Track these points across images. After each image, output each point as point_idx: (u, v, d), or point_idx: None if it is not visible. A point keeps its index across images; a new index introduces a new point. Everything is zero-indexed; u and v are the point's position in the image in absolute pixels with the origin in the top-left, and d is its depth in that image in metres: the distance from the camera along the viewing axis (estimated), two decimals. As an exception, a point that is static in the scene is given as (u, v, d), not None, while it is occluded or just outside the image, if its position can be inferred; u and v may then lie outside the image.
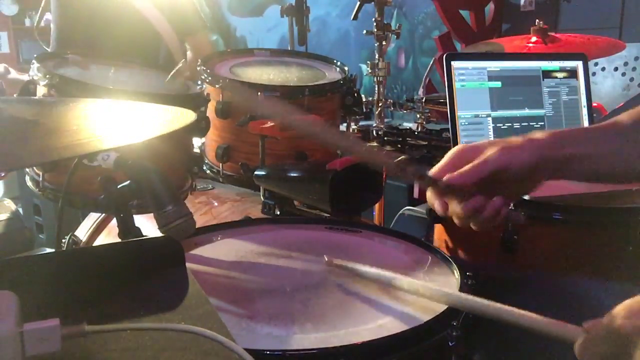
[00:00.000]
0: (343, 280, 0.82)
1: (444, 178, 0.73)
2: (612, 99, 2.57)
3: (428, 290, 0.74)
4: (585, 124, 1.41)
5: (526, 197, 1.13)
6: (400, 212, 2.05)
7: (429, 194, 0.76)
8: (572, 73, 1.42)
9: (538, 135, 0.74)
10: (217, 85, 1.30)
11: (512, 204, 0.78)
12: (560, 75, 1.41)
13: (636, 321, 0.52)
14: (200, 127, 1.16)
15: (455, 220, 0.75)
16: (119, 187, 0.81)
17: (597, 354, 0.55)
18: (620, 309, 0.54)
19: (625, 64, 2.67)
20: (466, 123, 1.32)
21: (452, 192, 0.73)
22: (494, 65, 1.36)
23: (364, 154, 0.82)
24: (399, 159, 0.74)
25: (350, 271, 0.82)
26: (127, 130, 0.57)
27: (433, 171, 0.75)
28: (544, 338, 0.60)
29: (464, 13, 3.08)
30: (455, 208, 0.73)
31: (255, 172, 1.20)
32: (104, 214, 1.35)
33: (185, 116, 0.61)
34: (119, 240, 0.82)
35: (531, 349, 0.91)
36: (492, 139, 1.33)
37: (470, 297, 0.70)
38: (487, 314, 0.67)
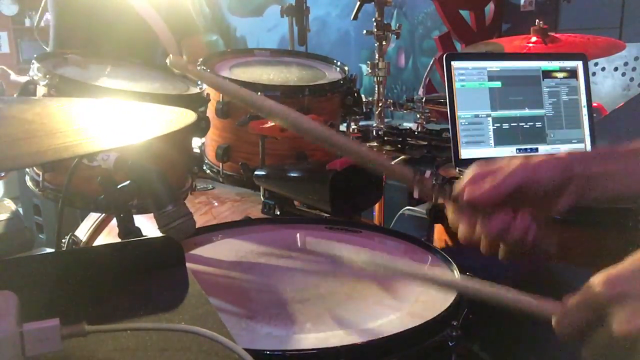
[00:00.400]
0: (343, 280, 0.82)
1: (465, 197, 0.69)
2: (612, 99, 2.57)
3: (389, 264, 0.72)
4: (586, 124, 1.41)
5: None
6: (400, 212, 2.05)
7: (452, 217, 0.72)
8: (572, 73, 1.42)
9: (562, 154, 0.71)
10: (217, 85, 1.30)
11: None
12: (560, 75, 1.41)
13: (610, 289, 0.52)
14: (200, 127, 1.16)
15: (482, 245, 0.71)
16: (119, 187, 0.81)
17: (573, 323, 0.55)
18: (595, 279, 0.54)
19: (625, 64, 2.67)
20: (466, 123, 1.32)
21: (476, 211, 0.69)
22: (494, 65, 1.36)
23: (385, 167, 0.79)
24: (419, 176, 0.71)
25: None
26: (127, 130, 0.57)
27: (457, 191, 0.70)
28: (525, 315, 0.60)
29: (464, 13, 3.08)
30: (480, 229, 0.69)
31: (255, 172, 1.20)
32: (104, 214, 1.35)
33: (185, 116, 0.61)
34: (119, 240, 0.82)
35: (531, 342, 0.91)
36: (492, 140, 1.34)
37: (444, 272, 0.69)
38: (467, 291, 0.66)
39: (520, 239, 0.68)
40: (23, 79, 1.96)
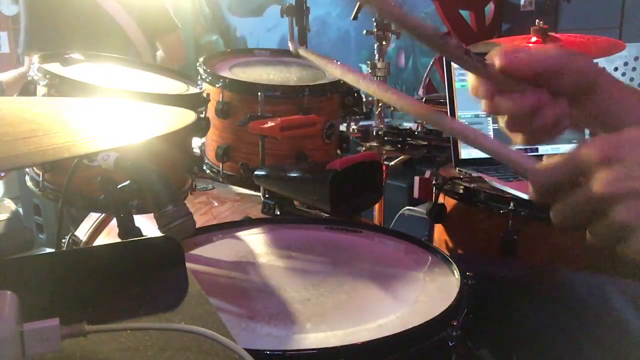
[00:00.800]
0: (343, 280, 0.82)
1: (497, 63, 0.61)
2: (612, 99, 2.57)
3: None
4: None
5: (526, 197, 1.13)
6: (400, 212, 2.06)
7: (476, 84, 0.62)
8: (572, 73, 1.42)
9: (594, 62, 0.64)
10: (217, 85, 1.30)
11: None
12: (560, 75, 1.41)
13: (601, 151, 0.47)
14: (200, 127, 1.16)
15: (509, 120, 0.63)
16: (119, 187, 0.81)
17: (552, 179, 0.50)
18: (589, 141, 0.49)
19: (625, 64, 2.67)
20: (466, 123, 1.32)
21: (504, 82, 0.61)
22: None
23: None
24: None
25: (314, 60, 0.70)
26: (127, 130, 0.57)
27: (486, 59, 0.62)
28: (504, 164, 0.56)
29: (464, 13, 3.08)
30: (509, 103, 0.61)
31: (255, 172, 1.20)
32: (104, 214, 1.35)
33: (185, 116, 0.61)
34: (119, 240, 0.82)
35: (537, 345, 0.91)
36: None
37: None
38: (451, 131, 0.60)
39: (555, 123, 0.61)
40: (9, 74, 1.96)
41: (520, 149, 1.36)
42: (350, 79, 0.63)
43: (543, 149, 1.38)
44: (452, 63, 1.33)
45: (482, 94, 0.63)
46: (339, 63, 0.64)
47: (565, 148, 1.40)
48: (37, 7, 1.91)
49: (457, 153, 1.36)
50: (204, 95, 1.19)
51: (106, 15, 1.89)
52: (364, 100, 1.63)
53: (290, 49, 0.74)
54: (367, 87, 0.63)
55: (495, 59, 0.61)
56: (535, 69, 0.60)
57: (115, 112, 0.68)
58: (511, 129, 0.63)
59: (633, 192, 0.45)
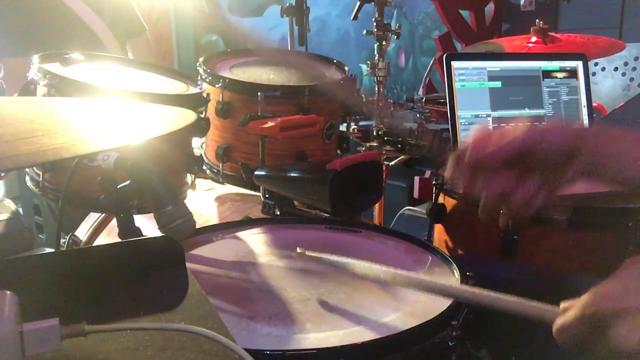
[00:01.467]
0: (343, 280, 0.82)
1: (469, 154, 0.65)
2: (612, 99, 2.58)
3: (390, 276, 0.73)
4: (586, 124, 1.41)
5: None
6: (400, 212, 2.06)
7: (452, 173, 0.68)
8: (572, 73, 1.42)
9: (575, 125, 0.69)
10: (217, 85, 1.30)
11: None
12: (560, 75, 1.41)
13: (611, 305, 0.53)
14: (200, 127, 1.16)
15: (482, 206, 0.67)
16: (119, 187, 0.81)
17: (574, 337, 0.56)
18: (595, 293, 0.55)
19: (625, 64, 2.67)
20: (466, 123, 1.32)
21: (479, 171, 0.66)
22: (494, 65, 1.36)
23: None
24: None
25: (323, 262, 0.81)
26: (127, 130, 0.57)
27: (460, 149, 0.67)
28: (523, 320, 0.61)
29: (464, 13, 3.08)
30: (483, 188, 0.66)
31: (255, 172, 1.20)
32: (104, 214, 1.35)
33: (185, 116, 0.61)
34: (119, 240, 0.82)
35: (536, 346, 0.91)
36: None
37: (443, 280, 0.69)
38: (464, 299, 0.67)
39: (526, 204, 0.65)
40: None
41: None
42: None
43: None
44: (452, 63, 1.33)
45: (457, 180, 0.68)
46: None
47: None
48: (3, 11, 1.91)
49: (457, 153, 1.36)
50: (204, 95, 1.19)
51: (77, 18, 1.90)
52: (364, 100, 1.64)
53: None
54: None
55: (467, 152, 0.66)
56: (505, 155, 0.64)
57: (115, 112, 0.68)
58: (487, 214, 0.67)
59: None
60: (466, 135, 0.69)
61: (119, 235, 0.83)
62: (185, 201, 0.91)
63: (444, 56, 1.34)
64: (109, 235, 1.31)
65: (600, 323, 0.53)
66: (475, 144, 0.66)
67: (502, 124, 1.34)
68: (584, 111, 1.42)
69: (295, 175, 1.15)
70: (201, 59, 1.40)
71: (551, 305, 0.59)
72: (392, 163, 1.82)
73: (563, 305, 0.58)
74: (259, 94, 1.24)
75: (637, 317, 0.51)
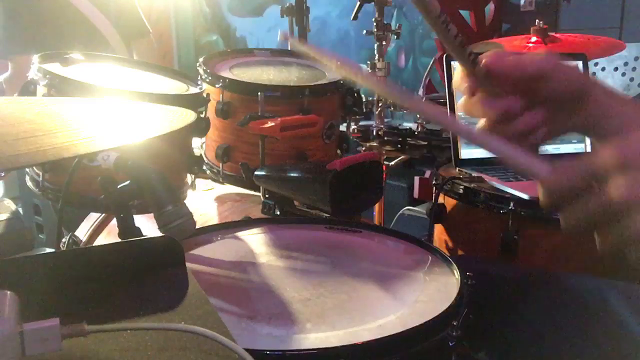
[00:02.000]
0: (343, 280, 0.82)
1: (485, 61, 0.61)
2: (612, 99, 2.57)
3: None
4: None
5: (526, 197, 1.13)
6: (400, 212, 2.06)
7: (461, 79, 0.64)
8: (572, 73, 1.42)
9: (590, 76, 0.66)
10: (217, 85, 1.30)
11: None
12: (560, 75, 1.41)
13: (618, 156, 0.47)
14: (200, 127, 1.16)
15: (481, 123, 0.64)
16: (119, 187, 0.81)
17: (567, 184, 0.49)
18: (604, 146, 0.48)
19: (625, 64, 2.67)
20: (466, 123, 1.32)
21: (489, 82, 0.62)
22: (494, 65, 1.36)
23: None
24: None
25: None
26: (127, 130, 0.57)
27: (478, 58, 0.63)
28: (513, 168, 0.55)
29: (464, 13, 3.08)
30: (482, 106, 0.63)
31: (255, 172, 1.20)
32: (104, 214, 1.35)
33: (185, 116, 0.61)
34: (119, 240, 0.82)
35: (536, 347, 0.91)
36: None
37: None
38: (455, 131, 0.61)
39: (525, 134, 0.62)
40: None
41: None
42: (346, 72, 0.63)
43: (543, 149, 1.37)
44: (452, 63, 1.33)
45: (463, 90, 0.63)
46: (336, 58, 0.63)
47: (565, 148, 1.40)
48: (13, 9, 1.92)
49: (457, 153, 1.36)
50: (204, 95, 1.19)
51: (85, 19, 1.92)
52: (364, 100, 1.63)
53: (288, 43, 0.75)
54: (365, 81, 0.64)
55: (484, 58, 0.61)
56: (520, 73, 0.61)
57: (115, 112, 0.68)
58: (485, 133, 0.63)
59: None
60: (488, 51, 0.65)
61: (119, 235, 0.83)
62: (185, 201, 0.91)
63: (444, 56, 1.34)
64: (109, 235, 1.31)
65: (601, 171, 0.47)
66: (496, 53, 0.62)
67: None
68: (584, 111, 1.42)
69: (295, 175, 1.15)
70: (201, 59, 1.40)
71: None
72: (392, 163, 1.82)
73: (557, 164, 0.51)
74: (259, 94, 1.24)
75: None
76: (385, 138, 1.71)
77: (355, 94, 1.41)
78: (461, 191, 1.27)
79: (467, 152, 1.35)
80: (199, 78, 1.34)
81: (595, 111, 0.63)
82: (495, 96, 0.62)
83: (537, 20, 1.89)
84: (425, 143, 1.66)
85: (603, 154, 0.48)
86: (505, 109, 0.61)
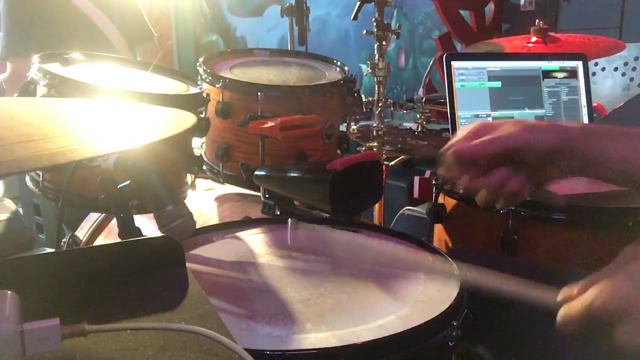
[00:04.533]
0: (343, 280, 0.82)
1: (453, 149, 0.71)
2: (612, 99, 2.57)
3: None
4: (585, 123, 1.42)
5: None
6: (400, 212, 2.06)
7: (450, 170, 0.73)
8: (572, 73, 1.42)
9: (571, 123, 0.71)
10: (217, 85, 1.30)
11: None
12: (560, 75, 1.41)
13: (613, 306, 0.54)
14: (200, 127, 1.16)
15: (479, 198, 0.75)
16: (119, 187, 0.81)
17: (577, 327, 0.57)
18: (595, 292, 0.56)
19: (625, 64, 2.67)
20: (466, 123, 1.32)
21: (468, 164, 0.71)
22: (494, 65, 1.36)
23: None
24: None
25: None
26: (125, 134, 0.57)
27: (449, 143, 0.73)
28: (523, 307, 0.62)
29: (464, 13, 3.08)
30: (478, 181, 0.72)
31: (255, 172, 1.20)
32: (104, 214, 1.35)
33: (186, 119, 0.61)
34: (119, 240, 0.82)
35: (535, 347, 0.91)
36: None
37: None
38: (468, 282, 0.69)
39: (513, 197, 0.71)
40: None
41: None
42: None
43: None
44: (452, 63, 1.33)
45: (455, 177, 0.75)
46: None
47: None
48: (17, 11, 1.92)
49: (457, 153, 1.35)
50: (204, 95, 1.19)
51: (89, 21, 1.92)
52: (364, 100, 1.63)
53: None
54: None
55: (449, 151, 0.71)
56: (487, 154, 0.69)
57: (114, 115, 0.68)
58: (486, 202, 0.74)
59: None
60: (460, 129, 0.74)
61: (119, 235, 0.83)
62: (185, 201, 0.92)
63: (444, 56, 1.34)
64: (109, 235, 1.31)
65: (606, 319, 0.54)
66: (455, 148, 0.71)
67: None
68: (584, 111, 1.42)
69: (295, 175, 1.15)
70: (201, 59, 1.40)
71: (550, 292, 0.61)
72: (392, 163, 1.82)
73: (563, 293, 0.59)
74: (259, 94, 1.24)
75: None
76: (385, 138, 1.71)
77: (355, 94, 1.41)
78: (461, 191, 1.27)
79: (467, 152, 1.35)
80: (199, 78, 1.34)
81: (575, 159, 0.68)
82: (487, 171, 0.71)
83: (537, 20, 1.89)
84: (425, 143, 1.66)
85: (606, 300, 0.55)
86: (495, 182, 0.70)
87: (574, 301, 0.57)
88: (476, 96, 1.34)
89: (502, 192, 0.71)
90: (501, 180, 0.70)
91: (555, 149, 0.68)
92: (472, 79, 1.34)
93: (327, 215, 1.12)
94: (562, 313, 0.58)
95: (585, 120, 1.42)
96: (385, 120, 1.88)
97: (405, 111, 1.91)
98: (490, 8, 3.15)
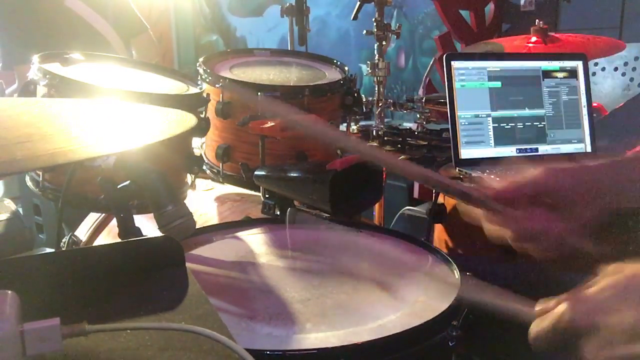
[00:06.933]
0: (343, 280, 0.82)
1: (491, 193, 0.69)
2: (612, 99, 2.58)
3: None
4: (586, 124, 1.42)
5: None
6: (400, 212, 2.06)
7: (488, 225, 0.72)
8: (572, 73, 1.42)
9: (595, 161, 0.70)
10: (217, 85, 1.30)
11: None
12: (560, 75, 1.41)
13: (583, 319, 0.54)
14: (200, 127, 1.16)
15: (514, 243, 0.72)
16: (118, 187, 0.81)
17: (546, 343, 0.57)
18: (568, 304, 0.56)
19: (625, 64, 2.67)
20: (466, 123, 1.32)
21: (494, 207, 0.70)
22: (494, 65, 1.36)
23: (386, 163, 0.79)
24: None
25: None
26: (125, 135, 0.57)
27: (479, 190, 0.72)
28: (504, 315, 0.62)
29: (464, 13, 3.07)
30: (510, 224, 0.70)
31: (255, 172, 1.20)
32: (104, 214, 1.35)
33: (186, 119, 0.61)
34: (119, 240, 0.82)
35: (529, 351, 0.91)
36: (492, 140, 1.34)
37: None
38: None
39: (557, 242, 0.68)
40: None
41: (520, 149, 1.36)
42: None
43: (543, 149, 1.38)
44: (452, 63, 1.33)
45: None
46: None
47: (565, 148, 1.40)
48: (12, 19, 1.92)
49: (457, 153, 1.36)
50: (204, 95, 1.19)
51: (83, 21, 1.93)
52: (364, 100, 1.63)
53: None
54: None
55: (490, 191, 0.70)
56: (520, 194, 0.68)
57: (114, 115, 0.68)
58: (520, 247, 0.71)
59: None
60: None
61: (119, 235, 0.83)
62: (185, 201, 0.92)
63: (444, 56, 1.34)
64: (109, 235, 1.31)
65: (573, 333, 0.54)
66: (496, 188, 0.70)
67: (502, 124, 1.34)
68: (584, 111, 1.42)
69: (295, 175, 1.15)
70: (201, 59, 1.40)
71: (529, 302, 0.61)
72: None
73: (539, 306, 0.59)
74: (259, 94, 1.24)
75: (610, 333, 0.52)
76: (385, 138, 1.71)
77: (355, 94, 1.41)
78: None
79: (467, 152, 1.35)
80: (199, 78, 1.34)
81: (608, 199, 0.68)
82: (520, 213, 0.69)
83: (537, 20, 1.89)
84: (425, 143, 1.66)
85: (574, 315, 0.55)
86: (530, 226, 0.68)
87: (546, 315, 0.57)
88: (476, 96, 1.34)
89: (541, 240, 0.68)
90: (541, 225, 0.68)
91: (580, 187, 0.67)
92: (472, 79, 1.34)
93: (327, 215, 1.12)
94: (533, 327, 0.58)
95: (586, 120, 1.42)
96: (385, 120, 1.88)
97: (405, 111, 1.91)
98: (490, 8, 3.15)
